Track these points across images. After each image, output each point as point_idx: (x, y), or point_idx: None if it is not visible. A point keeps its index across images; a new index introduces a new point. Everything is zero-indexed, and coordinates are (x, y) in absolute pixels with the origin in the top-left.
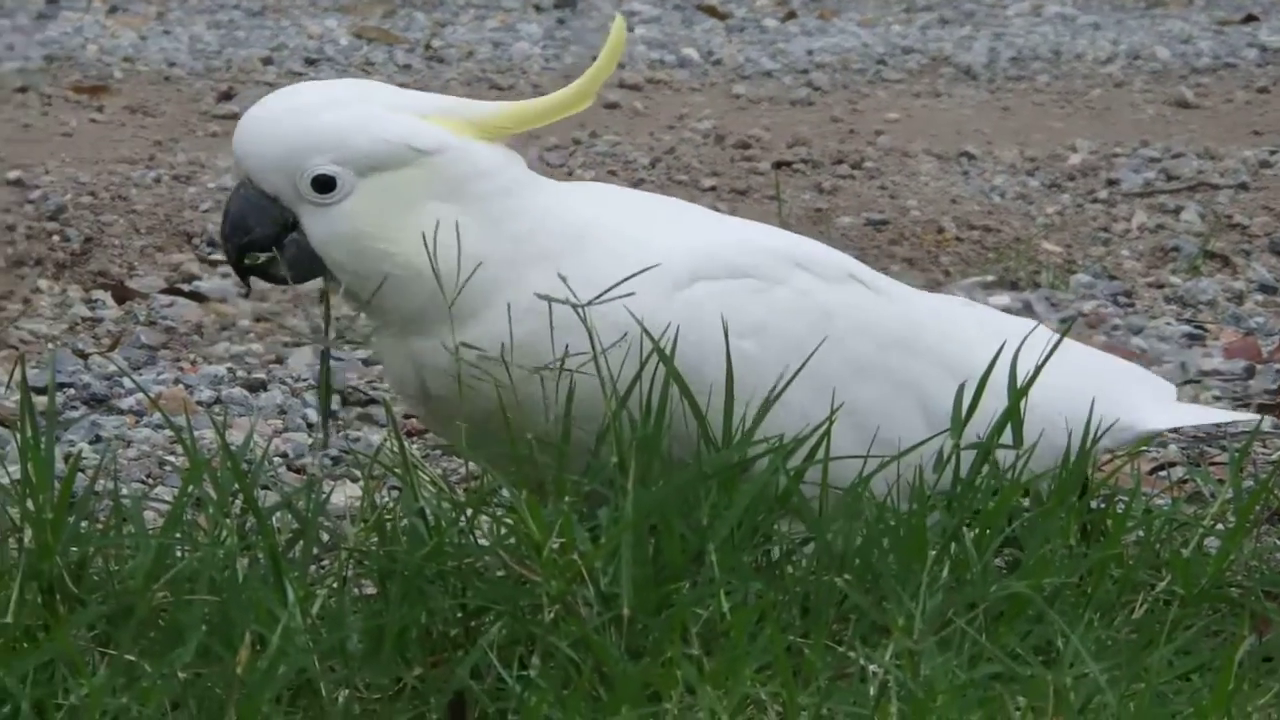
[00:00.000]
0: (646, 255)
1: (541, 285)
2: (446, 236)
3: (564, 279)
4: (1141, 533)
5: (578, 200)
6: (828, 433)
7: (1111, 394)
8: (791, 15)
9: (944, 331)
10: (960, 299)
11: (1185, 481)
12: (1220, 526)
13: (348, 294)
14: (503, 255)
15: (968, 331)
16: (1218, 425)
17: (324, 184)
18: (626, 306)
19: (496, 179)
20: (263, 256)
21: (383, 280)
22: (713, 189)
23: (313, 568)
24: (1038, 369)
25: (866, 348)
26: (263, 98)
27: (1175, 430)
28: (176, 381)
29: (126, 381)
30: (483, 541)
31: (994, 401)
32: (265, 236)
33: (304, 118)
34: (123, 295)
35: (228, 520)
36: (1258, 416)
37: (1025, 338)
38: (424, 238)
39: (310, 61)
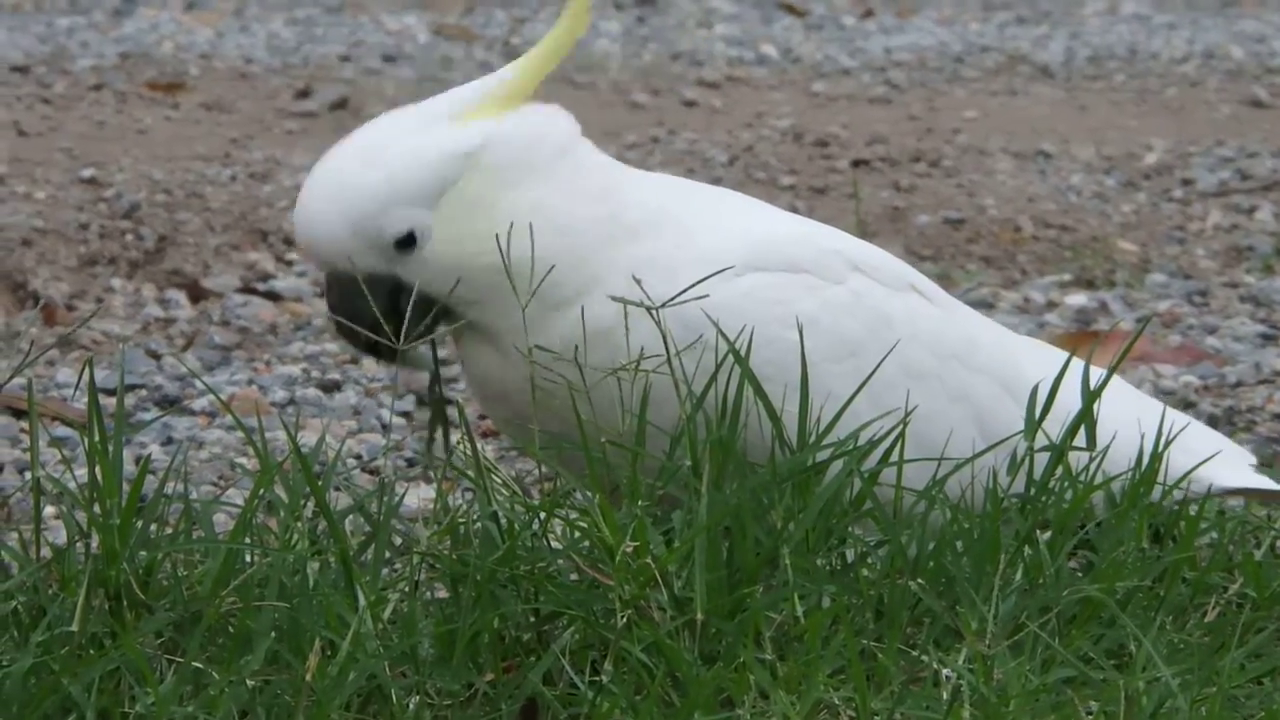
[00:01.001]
0: (712, 248)
1: (625, 270)
2: (534, 221)
3: (638, 281)
4: (1214, 535)
5: (647, 186)
6: (902, 436)
7: (1188, 444)
8: (870, 13)
9: (1000, 349)
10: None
11: None
12: None
13: (471, 325)
14: (592, 231)
15: (1021, 352)
16: None
17: (406, 240)
18: (695, 304)
19: (552, 140)
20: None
21: (495, 293)
22: (791, 187)
23: (384, 572)
24: (1110, 371)
25: (923, 357)
26: (304, 190)
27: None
28: (250, 382)
29: (199, 383)
30: (556, 545)
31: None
32: (384, 308)
33: (345, 193)
34: (197, 295)
35: (299, 524)
36: None
37: (1066, 363)
38: (520, 229)
39: (388, 59)
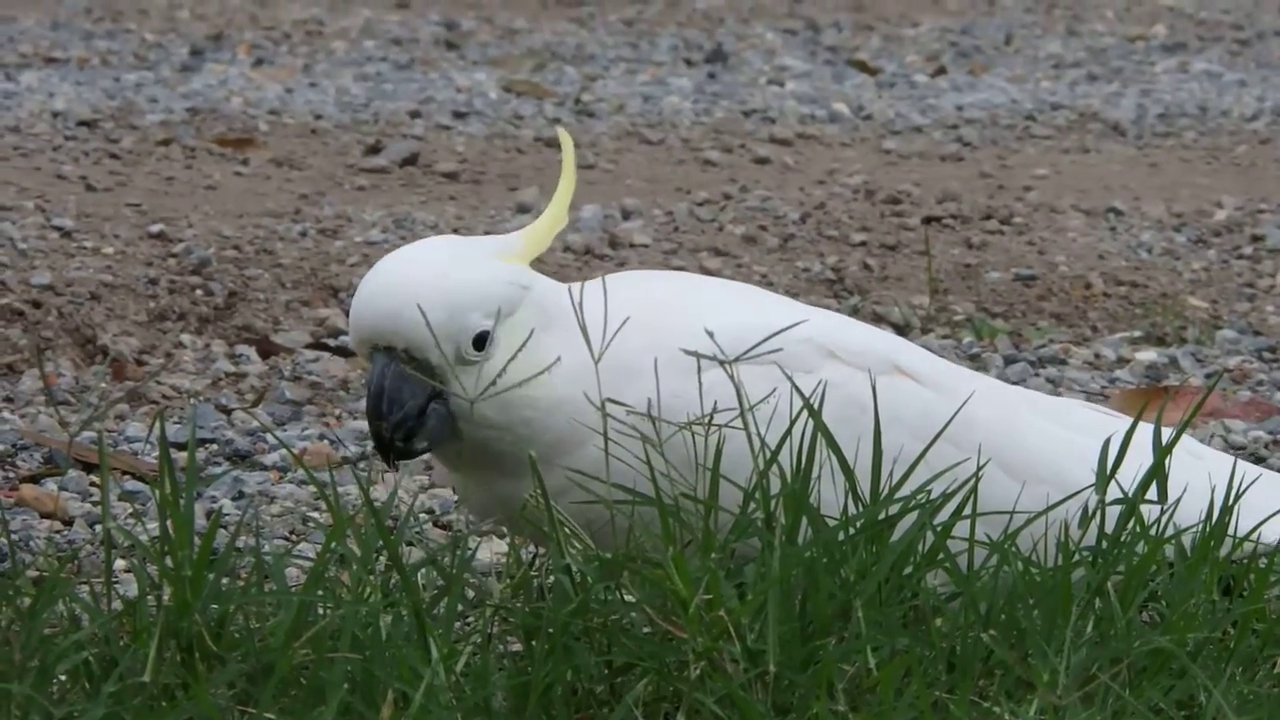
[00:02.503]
0: (686, 338)
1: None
2: (555, 363)
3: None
4: None
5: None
6: (974, 490)
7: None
8: (942, 71)
9: (1001, 424)
10: (1074, 401)
11: None
12: None
13: (467, 456)
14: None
15: (1029, 429)
16: None
17: (481, 340)
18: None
19: (563, 294)
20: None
21: (523, 426)
22: (863, 244)
23: (457, 625)
24: (1182, 427)
25: (902, 438)
26: (376, 273)
27: None
28: (321, 437)
29: (270, 437)
30: (629, 598)
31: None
32: (416, 409)
33: (449, 278)
34: (267, 350)
35: (371, 577)
36: None
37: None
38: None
39: (459, 115)
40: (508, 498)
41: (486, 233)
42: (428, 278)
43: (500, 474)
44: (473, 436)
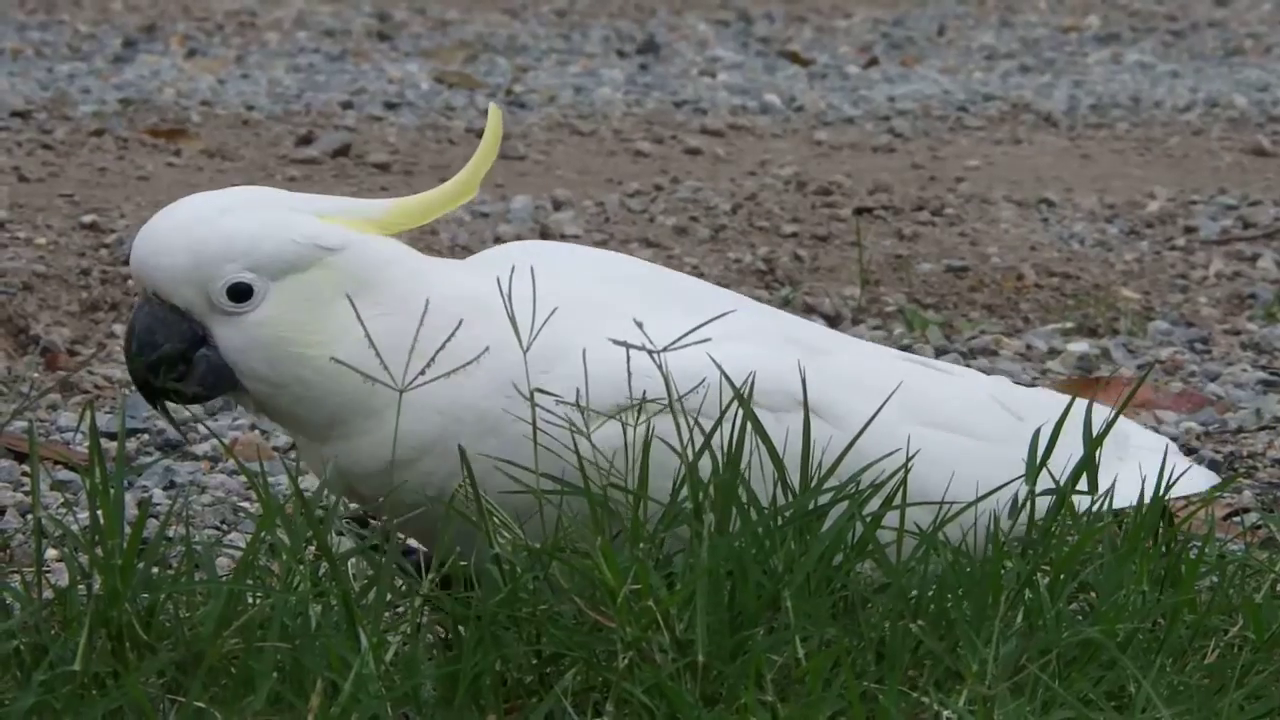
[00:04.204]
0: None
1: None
2: (361, 333)
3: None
4: (1215, 578)
5: (478, 283)
6: (904, 480)
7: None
8: (874, 62)
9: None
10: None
11: (1259, 527)
12: None
13: (259, 406)
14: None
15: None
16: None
17: (239, 293)
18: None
19: (403, 264)
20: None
21: (299, 385)
22: (794, 235)
23: (386, 615)
24: (1114, 416)
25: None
26: (156, 214)
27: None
28: (253, 427)
29: (202, 427)
30: (562, 585)
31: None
32: (175, 352)
33: (211, 226)
34: None
35: (301, 567)
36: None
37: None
38: (342, 334)
39: (390, 105)
40: (339, 459)
41: None
42: (185, 223)
43: (311, 436)
44: (253, 390)
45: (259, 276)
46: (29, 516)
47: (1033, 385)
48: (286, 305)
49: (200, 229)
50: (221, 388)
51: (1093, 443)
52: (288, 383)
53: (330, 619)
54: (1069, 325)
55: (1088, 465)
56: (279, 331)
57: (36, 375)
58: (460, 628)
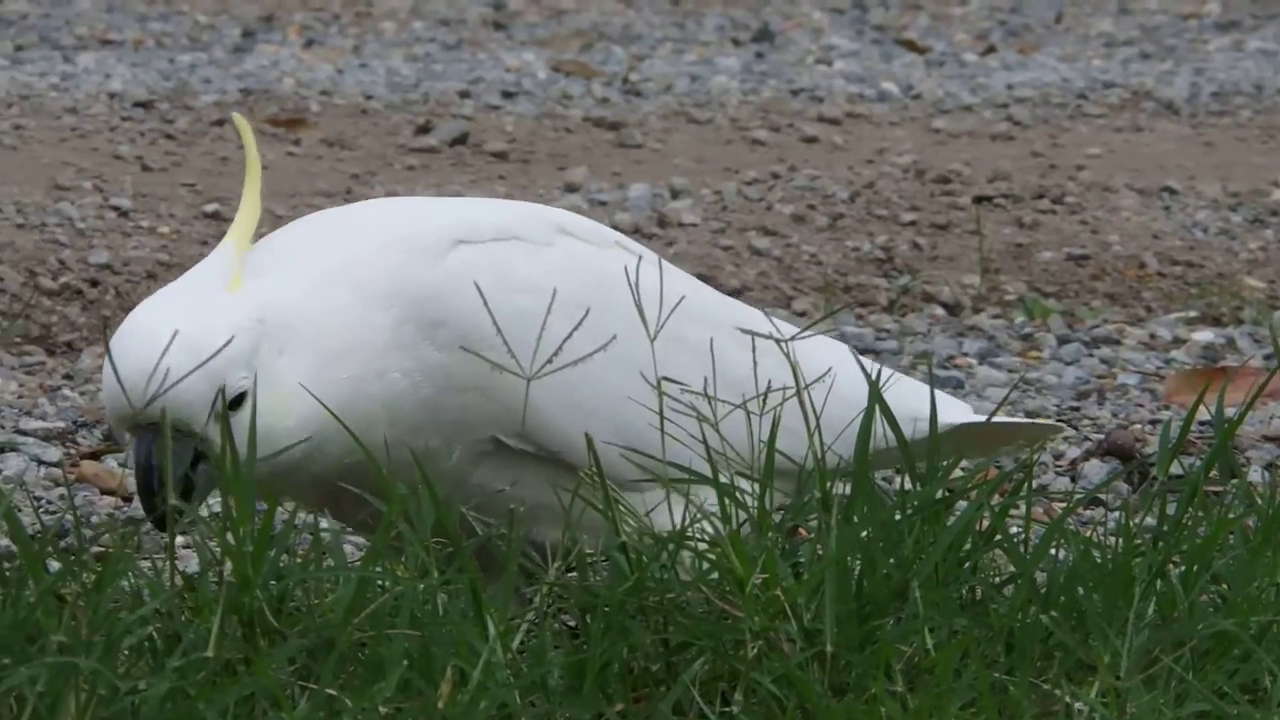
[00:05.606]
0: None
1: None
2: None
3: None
4: None
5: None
6: (1029, 481)
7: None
8: (991, 50)
9: (720, 302)
10: None
11: None
12: None
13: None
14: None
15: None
16: None
17: (239, 400)
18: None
19: (285, 311)
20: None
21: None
22: (913, 223)
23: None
24: (1245, 408)
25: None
26: (120, 357)
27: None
28: None
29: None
30: (685, 577)
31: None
32: (184, 475)
33: (200, 353)
34: None
35: (429, 554)
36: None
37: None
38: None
39: (508, 95)
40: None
41: None
42: (180, 359)
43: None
44: (304, 459)
45: (245, 374)
46: None
47: (1158, 373)
48: (266, 389)
49: (196, 358)
50: (209, 493)
51: (1224, 433)
52: (286, 455)
53: (458, 606)
54: (1193, 314)
55: (1219, 457)
56: (263, 415)
57: None
58: (587, 616)
